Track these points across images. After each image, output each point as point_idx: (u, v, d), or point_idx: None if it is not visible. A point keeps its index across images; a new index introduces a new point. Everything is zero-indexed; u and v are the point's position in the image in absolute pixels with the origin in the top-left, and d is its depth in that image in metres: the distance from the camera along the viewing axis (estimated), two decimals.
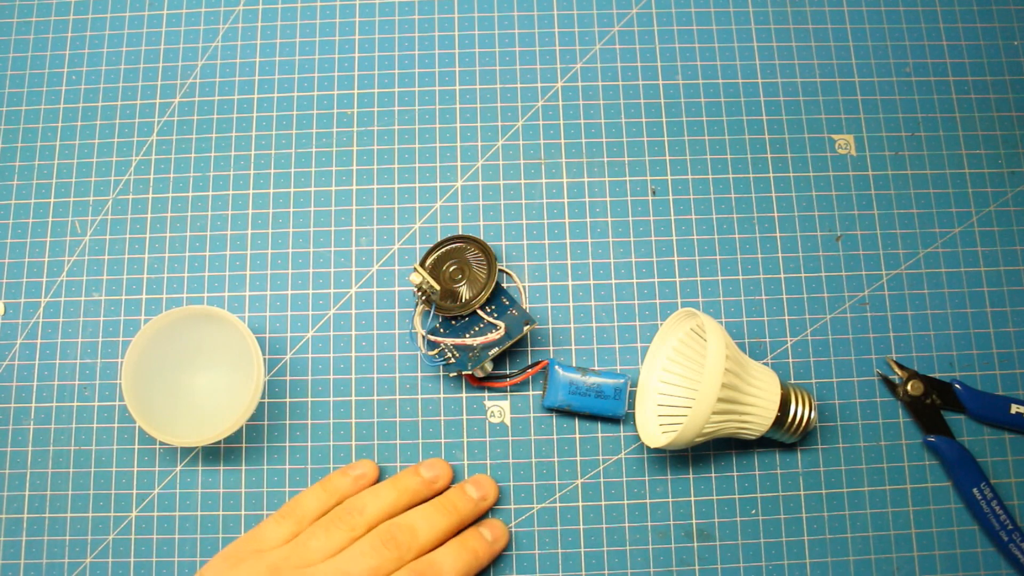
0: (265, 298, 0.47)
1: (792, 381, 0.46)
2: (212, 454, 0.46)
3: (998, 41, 0.50)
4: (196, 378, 0.45)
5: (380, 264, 0.47)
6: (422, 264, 0.45)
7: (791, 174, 0.48)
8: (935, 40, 0.50)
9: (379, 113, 0.49)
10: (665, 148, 0.48)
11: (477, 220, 0.48)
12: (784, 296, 0.47)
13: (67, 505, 0.45)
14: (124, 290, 0.47)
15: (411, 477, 0.43)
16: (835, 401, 0.46)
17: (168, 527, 0.45)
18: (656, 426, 0.44)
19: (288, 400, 0.46)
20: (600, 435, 0.45)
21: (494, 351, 0.44)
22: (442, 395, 0.46)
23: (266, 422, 0.46)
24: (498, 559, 0.44)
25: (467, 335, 0.45)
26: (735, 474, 0.45)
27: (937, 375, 0.46)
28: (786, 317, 0.47)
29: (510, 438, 0.45)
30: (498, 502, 0.45)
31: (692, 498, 0.45)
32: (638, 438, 0.45)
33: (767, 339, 0.46)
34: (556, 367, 0.44)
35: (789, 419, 0.43)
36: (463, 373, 0.44)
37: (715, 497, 0.45)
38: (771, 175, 0.48)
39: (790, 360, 0.46)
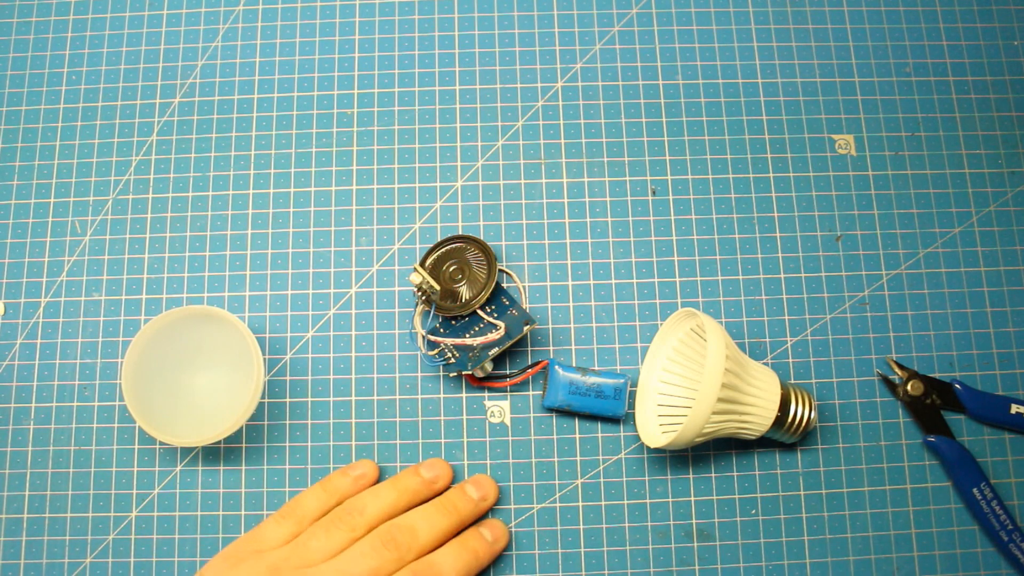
0: (265, 298, 0.47)
1: (792, 381, 0.46)
2: (212, 454, 0.46)
3: (998, 41, 0.50)
4: (196, 378, 0.45)
5: (380, 264, 0.47)
6: (422, 264, 0.45)
7: (791, 174, 0.48)
8: (935, 40, 0.50)
9: (379, 113, 0.49)
10: (665, 148, 0.48)
11: (477, 220, 0.48)
12: (784, 296, 0.47)
13: (67, 505, 0.45)
14: (124, 290, 0.47)
15: (411, 477, 0.43)
16: (835, 401, 0.46)
17: (168, 527, 0.45)
18: (656, 426, 0.44)
19: (288, 400, 0.46)
20: (600, 435, 0.45)
21: (494, 351, 0.44)
22: (442, 395, 0.46)
23: (266, 422, 0.46)
24: (498, 559, 0.44)
25: (467, 335, 0.45)
26: (735, 474, 0.45)
27: (937, 375, 0.46)
28: (786, 317, 0.47)
29: (510, 438, 0.45)
30: (498, 502, 0.45)
31: (692, 498, 0.45)
32: (638, 438, 0.45)
33: (767, 339, 0.46)
34: (556, 367, 0.44)
35: (789, 419, 0.43)
36: (463, 373, 0.44)
37: (715, 497, 0.45)
38: (771, 175, 0.48)
39: (790, 360, 0.46)
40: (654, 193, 0.48)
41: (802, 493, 0.45)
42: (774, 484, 0.45)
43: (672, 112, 0.49)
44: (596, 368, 0.46)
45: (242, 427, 0.46)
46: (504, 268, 0.47)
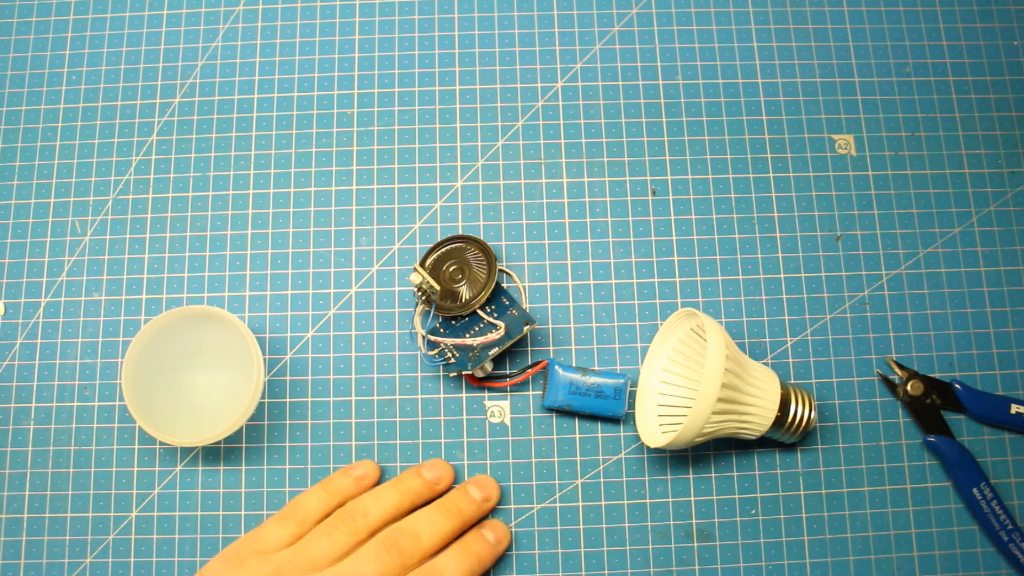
0: (265, 298, 0.47)
1: (792, 381, 0.46)
2: (212, 454, 0.46)
3: (998, 41, 0.50)
4: (196, 378, 0.45)
5: (380, 264, 0.47)
6: (422, 264, 0.45)
7: (791, 174, 0.48)
8: (935, 40, 0.50)
9: (379, 113, 0.49)
10: (665, 148, 0.48)
11: (477, 220, 0.48)
12: (784, 296, 0.47)
13: (67, 505, 0.45)
14: (124, 290, 0.47)
15: (413, 479, 0.43)
16: (835, 401, 0.46)
17: (168, 527, 0.45)
18: (656, 426, 0.44)
19: (288, 400, 0.46)
20: (600, 435, 0.45)
21: (494, 351, 0.44)
22: (442, 395, 0.46)
23: (266, 422, 0.46)
24: (498, 559, 0.44)
25: (467, 335, 0.45)
26: (735, 474, 0.45)
27: (937, 375, 0.46)
28: (786, 317, 0.47)
29: (510, 438, 0.45)
30: (499, 502, 0.44)
31: (692, 498, 0.45)
32: (638, 438, 0.45)
33: (767, 339, 0.46)
34: (556, 367, 0.44)
35: (789, 419, 0.43)
36: (463, 373, 0.44)
37: (715, 497, 0.45)
38: (771, 175, 0.48)
39: (790, 360, 0.46)
40: (654, 193, 0.48)
41: (802, 493, 0.45)
42: (774, 484, 0.45)
43: (672, 112, 0.49)
44: (596, 368, 0.46)
45: (242, 427, 0.46)
46: (504, 268, 0.47)
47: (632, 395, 0.45)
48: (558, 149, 0.48)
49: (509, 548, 0.44)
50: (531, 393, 0.46)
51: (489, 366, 0.44)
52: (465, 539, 0.42)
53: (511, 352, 0.46)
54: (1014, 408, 0.45)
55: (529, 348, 0.46)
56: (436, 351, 0.45)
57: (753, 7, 0.50)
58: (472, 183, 0.48)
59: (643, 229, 0.48)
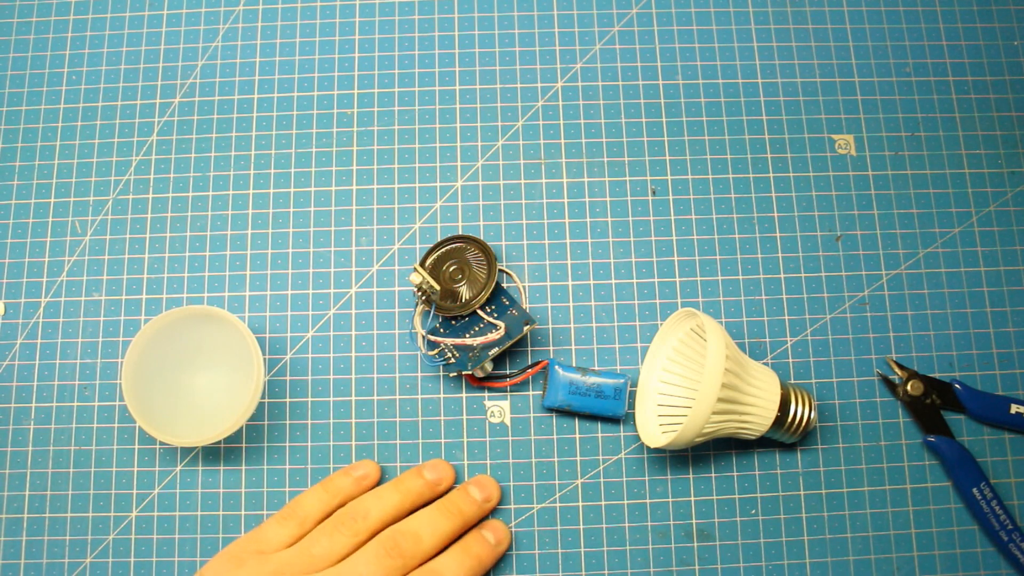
0: (265, 298, 0.47)
1: (792, 381, 0.46)
2: (212, 454, 0.46)
3: (998, 41, 0.50)
4: (196, 378, 0.45)
5: (380, 264, 0.47)
6: (422, 264, 0.45)
7: (791, 174, 0.48)
8: (935, 40, 0.50)
9: (379, 113, 0.49)
10: (665, 148, 0.48)
11: (477, 220, 0.48)
12: (784, 296, 0.47)
13: (67, 505, 0.45)
14: (124, 290, 0.47)
15: (414, 479, 0.43)
16: (835, 401, 0.46)
17: (168, 527, 0.45)
18: (656, 426, 0.44)
19: (288, 400, 0.46)
20: (600, 435, 0.45)
21: (494, 351, 0.44)
22: (442, 395, 0.46)
23: (266, 422, 0.46)
24: (500, 558, 0.44)
25: (467, 335, 0.45)
26: (735, 474, 0.45)
27: (937, 375, 0.46)
28: (786, 317, 0.47)
29: (510, 438, 0.45)
30: (499, 502, 0.44)
31: (692, 498, 0.45)
32: (638, 438, 0.45)
33: (767, 339, 0.46)
34: (556, 367, 0.44)
35: (789, 419, 0.43)
36: (463, 373, 0.44)
37: (715, 497, 0.45)
38: (771, 175, 0.48)
39: (790, 360, 0.46)
40: (654, 193, 0.48)
41: (802, 493, 0.45)
42: (774, 484, 0.45)
43: (672, 112, 0.49)
44: (596, 368, 0.46)
45: (242, 427, 0.46)
46: (504, 268, 0.47)
47: (632, 395, 0.45)
48: (558, 149, 0.48)
49: (509, 548, 0.44)
50: (531, 393, 0.46)
51: (489, 366, 0.44)
52: (465, 540, 0.42)
53: (511, 352, 0.46)
54: (1014, 408, 0.45)
55: (529, 348, 0.46)
56: (436, 351, 0.45)
57: (753, 7, 0.50)
58: (472, 183, 0.48)
59: (643, 229, 0.48)
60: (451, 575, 0.41)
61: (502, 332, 0.44)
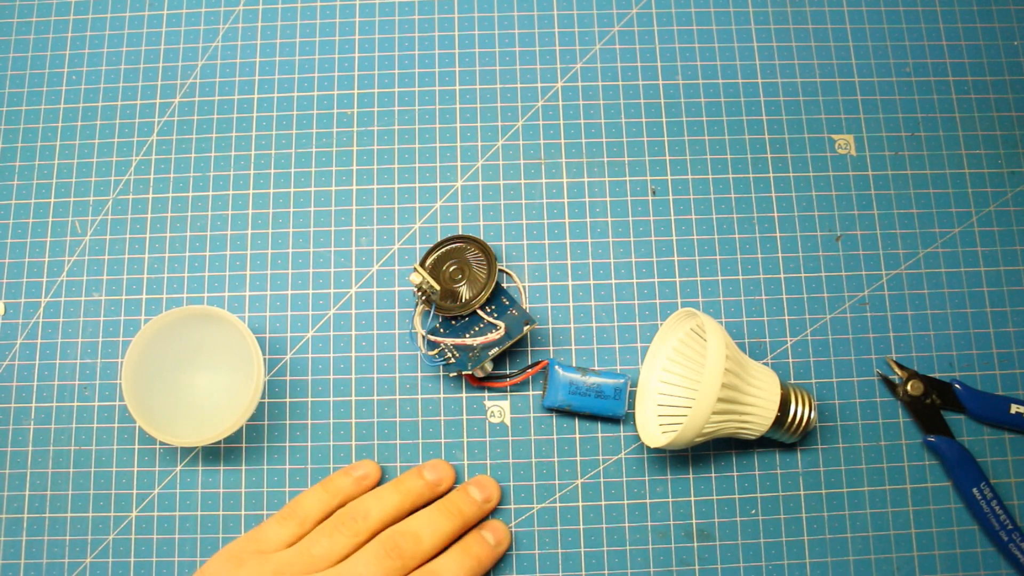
0: (265, 298, 0.47)
1: (792, 381, 0.46)
2: (212, 454, 0.46)
3: (998, 41, 0.50)
4: (196, 378, 0.45)
5: (380, 264, 0.47)
6: (422, 264, 0.45)
7: (791, 174, 0.48)
8: (935, 40, 0.50)
9: (379, 113, 0.49)
10: (665, 148, 0.48)
11: (477, 220, 0.48)
12: (784, 296, 0.47)
13: (67, 505, 0.45)
14: (124, 290, 0.47)
15: (414, 479, 0.43)
16: (835, 401, 0.46)
17: (168, 527, 0.45)
18: (656, 426, 0.44)
19: (288, 400, 0.46)
20: (600, 435, 0.45)
21: (494, 351, 0.44)
22: (442, 395, 0.46)
23: (266, 422, 0.46)
24: (499, 559, 0.44)
25: (467, 335, 0.45)
26: (735, 474, 0.45)
27: (937, 375, 0.46)
28: (786, 317, 0.47)
29: (510, 438, 0.45)
30: (499, 502, 0.44)
31: (692, 498, 0.45)
32: (638, 438, 0.45)
33: (767, 339, 0.46)
34: (556, 367, 0.44)
35: (789, 419, 0.43)
36: (463, 373, 0.44)
37: (715, 497, 0.45)
38: (771, 175, 0.48)
39: (790, 360, 0.46)
40: (654, 193, 0.48)
41: (802, 493, 0.45)
42: (774, 484, 0.45)
43: (672, 112, 0.49)
44: (596, 368, 0.46)
45: (242, 427, 0.46)
46: (504, 268, 0.47)
47: (632, 395, 0.45)
48: (558, 149, 0.48)
49: (509, 548, 0.44)
50: (531, 393, 0.46)
51: (489, 366, 0.44)
52: (465, 540, 0.42)
53: (511, 352, 0.46)
54: (1014, 408, 0.45)
55: (529, 348, 0.46)
56: (436, 351, 0.45)
57: (753, 7, 0.50)
58: (472, 183, 0.48)
59: (643, 229, 0.48)
60: (450, 575, 0.41)
61: (502, 332, 0.44)
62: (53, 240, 0.48)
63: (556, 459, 0.45)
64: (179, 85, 0.50)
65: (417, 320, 0.45)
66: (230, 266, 0.47)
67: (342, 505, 0.43)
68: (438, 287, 0.44)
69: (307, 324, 0.47)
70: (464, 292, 0.45)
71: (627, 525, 0.44)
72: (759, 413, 0.42)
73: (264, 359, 0.46)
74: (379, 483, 0.44)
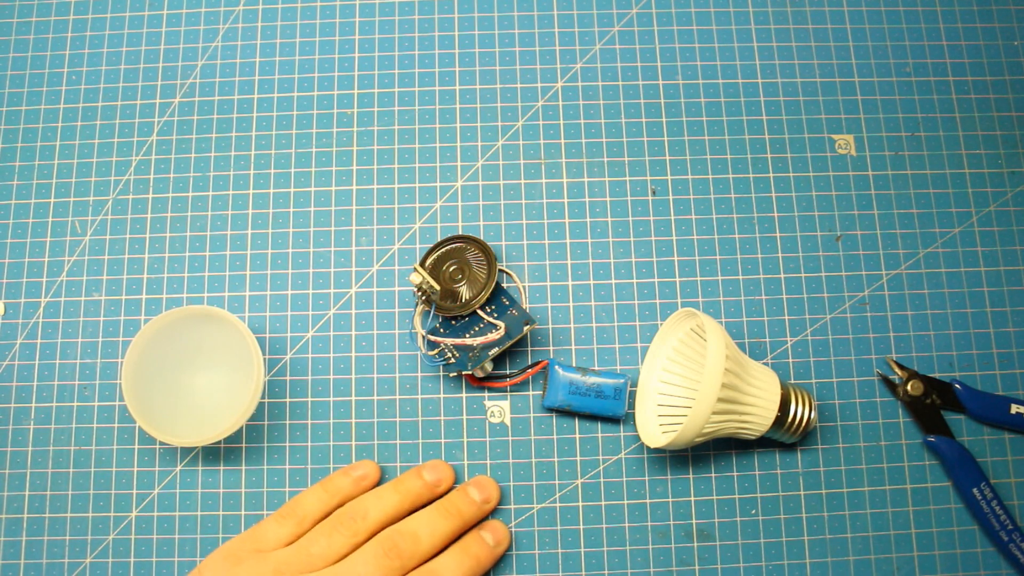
0: (265, 298, 0.47)
1: (792, 381, 0.46)
2: (212, 454, 0.46)
3: (998, 41, 0.50)
4: (196, 378, 0.45)
5: (380, 264, 0.47)
6: (422, 264, 0.45)
7: (791, 174, 0.48)
8: (935, 40, 0.50)
9: (379, 113, 0.49)
10: (665, 148, 0.48)
11: (477, 220, 0.48)
12: (784, 296, 0.47)
13: (67, 505, 0.45)
14: (124, 290, 0.47)
15: (414, 480, 0.43)
16: (835, 401, 0.46)
17: (168, 527, 0.45)
18: (656, 426, 0.44)
19: (288, 400, 0.46)
20: (600, 435, 0.45)
21: (494, 351, 0.44)
22: (442, 395, 0.46)
23: (266, 422, 0.46)
24: (499, 559, 0.44)
25: (467, 335, 0.45)
26: (735, 474, 0.45)
27: (937, 375, 0.46)
28: (786, 317, 0.47)
29: (510, 438, 0.45)
30: (499, 502, 0.44)
31: (692, 498, 0.45)
32: (638, 438, 0.45)
33: (767, 339, 0.46)
34: (556, 367, 0.44)
35: (789, 419, 0.43)
36: (463, 373, 0.44)
37: (715, 497, 0.45)
38: (771, 175, 0.48)
39: (790, 360, 0.46)
40: (654, 193, 0.48)
41: (802, 493, 0.45)
42: (774, 484, 0.45)
43: (672, 112, 0.49)
44: (596, 368, 0.46)
45: (242, 427, 0.46)
46: (504, 268, 0.47)
47: (632, 395, 0.45)
48: (558, 149, 0.48)
49: (509, 548, 0.44)
50: (531, 393, 0.46)
51: (489, 366, 0.44)
52: (464, 541, 0.42)
53: (511, 352, 0.46)
54: (1014, 408, 0.45)
55: (529, 348, 0.46)
56: (436, 351, 0.45)
57: (753, 7, 0.50)
58: (472, 183, 0.48)
59: (643, 229, 0.48)
60: (449, 575, 0.41)
61: (502, 332, 0.44)
62: (53, 240, 0.48)
63: (556, 459, 0.45)
64: (179, 85, 0.50)
65: (417, 320, 0.45)
66: (230, 266, 0.47)
67: (341, 505, 0.43)
68: (438, 287, 0.44)
69: (307, 324, 0.47)
70: (464, 292, 0.45)
71: (627, 525, 0.44)
72: (759, 413, 0.42)
73: (264, 359, 0.46)
74: (378, 483, 0.44)
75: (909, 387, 0.45)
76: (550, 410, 0.46)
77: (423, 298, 0.44)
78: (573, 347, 0.46)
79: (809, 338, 0.46)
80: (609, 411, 0.44)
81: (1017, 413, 0.45)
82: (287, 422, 0.46)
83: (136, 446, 0.46)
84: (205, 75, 0.50)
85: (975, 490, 0.44)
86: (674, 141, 0.48)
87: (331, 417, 0.46)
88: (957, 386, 0.45)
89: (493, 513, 0.45)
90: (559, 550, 0.44)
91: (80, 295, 0.47)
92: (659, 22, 0.50)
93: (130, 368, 0.44)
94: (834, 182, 0.48)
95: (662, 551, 0.44)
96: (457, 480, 0.45)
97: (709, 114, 0.49)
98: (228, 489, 0.45)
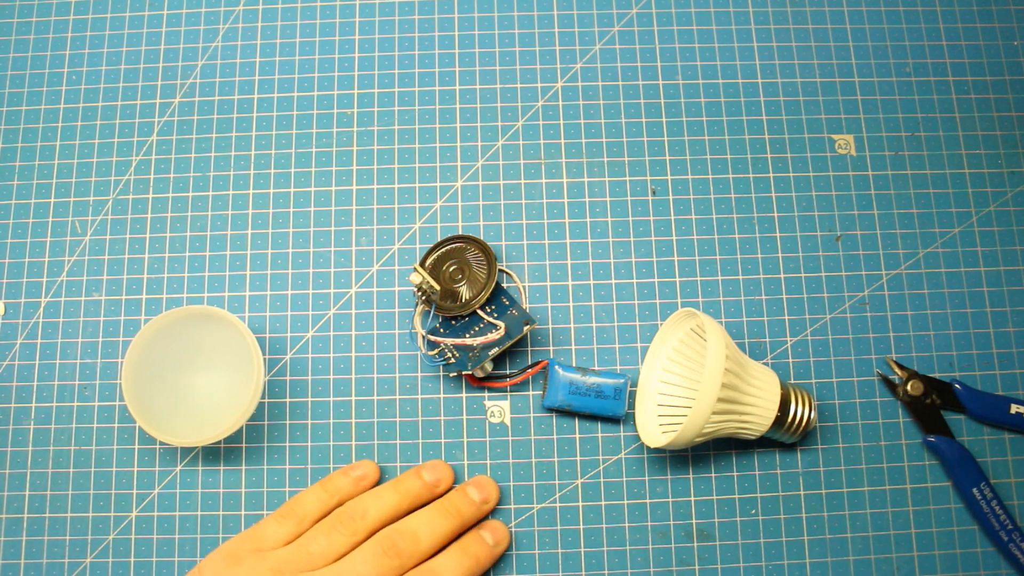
0: (265, 298, 0.47)
1: (792, 381, 0.46)
2: (212, 454, 0.46)
3: (998, 41, 0.50)
4: (196, 378, 0.45)
5: (380, 264, 0.47)
6: (422, 264, 0.45)
7: (791, 174, 0.48)
8: (935, 40, 0.50)
9: (379, 113, 0.49)
10: (665, 148, 0.48)
11: (477, 220, 0.48)
12: (784, 296, 0.47)
13: (67, 505, 0.45)
14: (124, 290, 0.47)
15: (413, 480, 0.43)
16: (835, 401, 0.46)
17: (168, 527, 0.45)
18: (656, 426, 0.44)
19: (288, 400, 0.46)
20: (600, 435, 0.45)
21: (494, 351, 0.44)
22: (442, 395, 0.46)
23: (266, 422, 0.46)
24: (498, 559, 0.44)
25: (467, 335, 0.45)
26: (735, 474, 0.45)
27: (937, 375, 0.46)
28: (786, 317, 0.47)
29: (510, 438, 0.45)
30: (498, 502, 0.44)
31: (692, 498, 0.45)
32: (638, 438, 0.45)
33: (767, 339, 0.46)
34: (556, 367, 0.44)
35: (789, 419, 0.43)
36: (463, 373, 0.44)
37: (715, 497, 0.45)
38: (771, 175, 0.48)
39: (790, 360, 0.46)
40: (654, 193, 0.48)
41: (802, 493, 0.45)
42: (774, 484, 0.45)
43: (672, 112, 0.49)
44: (596, 368, 0.46)
45: (242, 427, 0.46)
46: (504, 268, 0.47)
47: (632, 395, 0.45)
48: (558, 149, 0.48)
49: (509, 548, 0.44)
50: (531, 393, 0.46)
51: (489, 366, 0.44)
52: (463, 540, 0.42)
53: (511, 352, 0.46)
54: (1014, 408, 0.45)
55: (529, 348, 0.46)
56: (436, 351, 0.45)
57: (753, 7, 0.50)
58: (472, 183, 0.48)
59: (643, 229, 0.48)
60: (448, 574, 0.41)
61: (502, 332, 0.44)
62: (53, 240, 0.48)
63: (556, 459, 0.45)
64: (179, 85, 0.50)
65: (417, 320, 0.45)
66: (230, 266, 0.47)
67: (340, 504, 0.43)
68: (438, 287, 0.44)
69: (307, 324, 0.47)
70: (464, 292, 0.45)
71: (627, 525, 0.44)
72: (759, 413, 0.42)
73: (264, 359, 0.46)
74: (378, 483, 0.44)
75: (909, 387, 0.45)
76: (550, 410, 0.46)
77: (423, 298, 0.44)
78: (573, 347, 0.46)
79: (809, 338, 0.46)
80: (609, 411, 0.44)
81: (1017, 413, 0.45)
82: (287, 422, 0.46)
83: (136, 446, 0.46)
84: (205, 75, 0.50)
85: (975, 490, 0.44)
86: (674, 141, 0.48)
87: (331, 417, 0.46)
88: (957, 386, 0.45)
89: (493, 513, 0.45)
90: (559, 550, 0.44)
91: (80, 295, 0.47)
92: (659, 22, 0.50)
93: (130, 368, 0.44)
94: (834, 182, 0.48)
95: (662, 551, 0.44)
96: (457, 480, 0.45)
97: (709, 114, 0.49)
98: (228, 489, 0.45)
